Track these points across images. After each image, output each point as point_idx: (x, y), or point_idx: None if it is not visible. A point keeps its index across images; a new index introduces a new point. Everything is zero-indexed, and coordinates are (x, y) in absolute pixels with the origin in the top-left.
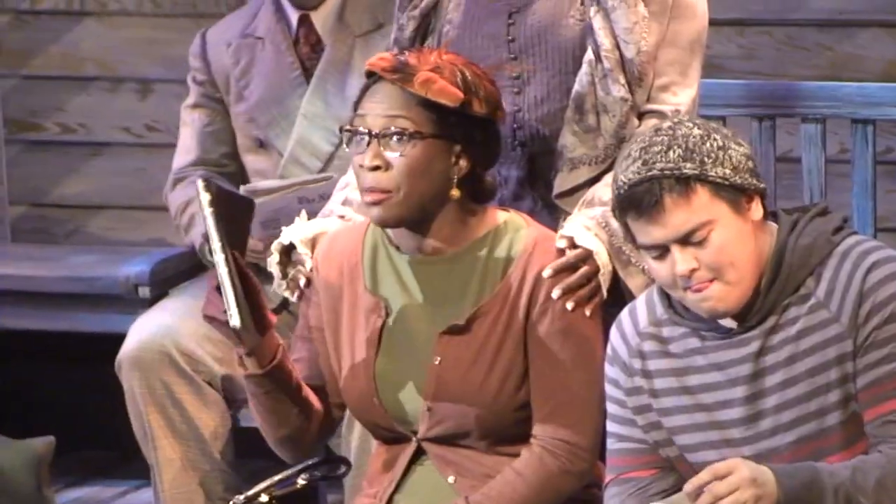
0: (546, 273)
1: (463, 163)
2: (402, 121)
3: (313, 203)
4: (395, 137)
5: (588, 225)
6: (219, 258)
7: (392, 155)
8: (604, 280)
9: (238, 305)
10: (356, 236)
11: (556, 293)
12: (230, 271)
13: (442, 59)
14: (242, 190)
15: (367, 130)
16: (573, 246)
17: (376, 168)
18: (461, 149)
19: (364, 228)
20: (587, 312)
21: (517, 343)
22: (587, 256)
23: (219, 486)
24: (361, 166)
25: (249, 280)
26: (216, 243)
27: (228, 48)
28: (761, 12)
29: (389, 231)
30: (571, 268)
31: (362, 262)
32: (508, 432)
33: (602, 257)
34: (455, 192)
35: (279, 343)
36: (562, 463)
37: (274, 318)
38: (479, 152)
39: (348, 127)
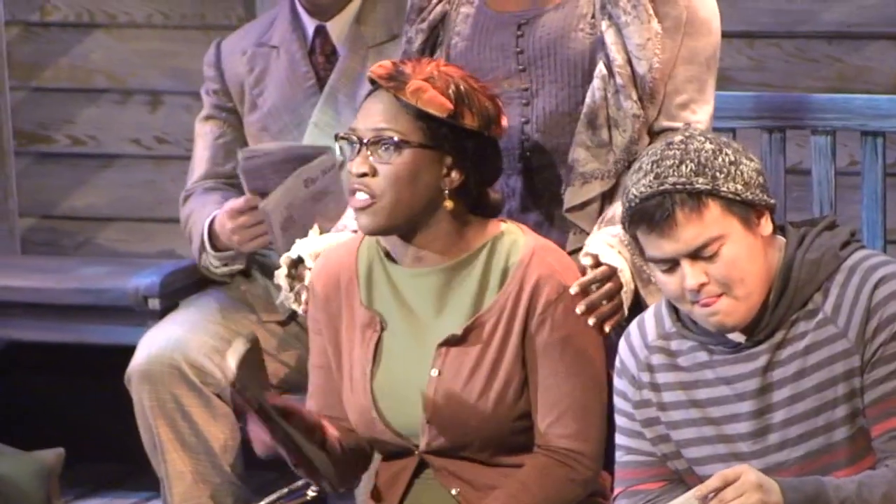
0: (573, 290)
1: (455, 175)
2: (390, 131)
3: (317, 181)
4: (383, 147)
5: (612, 243)
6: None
7: (381, 163)
8: (626, 298)
9: (320, 466)
10: (350, 251)
11: (579, 309)
12: (294, 439)
13: (439, 69)
14: (240, 155)
15: (357, 139)
16: (597, 263)
17: (363, 175)
18: (452, 160)
19: (357, 243)
20: (606, 329)
21: (516, 352)
22: (611, 274)
23: (229, 499)
24: (351, 172)
25: (298, 419)
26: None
27: (243, 56)
28: (771, 24)
29: (384, 243)
30: (595, 285)
31: (357, 276)
32: (509, 442)
33: (625, 275)
34: (448, 204)
35: (318, 425)
36: (566, 471)
37: (321, 421)
38: (472, 165)
39: (342, 135)
